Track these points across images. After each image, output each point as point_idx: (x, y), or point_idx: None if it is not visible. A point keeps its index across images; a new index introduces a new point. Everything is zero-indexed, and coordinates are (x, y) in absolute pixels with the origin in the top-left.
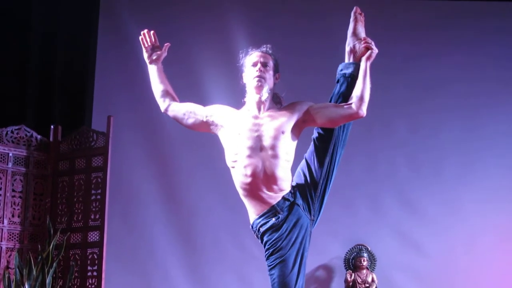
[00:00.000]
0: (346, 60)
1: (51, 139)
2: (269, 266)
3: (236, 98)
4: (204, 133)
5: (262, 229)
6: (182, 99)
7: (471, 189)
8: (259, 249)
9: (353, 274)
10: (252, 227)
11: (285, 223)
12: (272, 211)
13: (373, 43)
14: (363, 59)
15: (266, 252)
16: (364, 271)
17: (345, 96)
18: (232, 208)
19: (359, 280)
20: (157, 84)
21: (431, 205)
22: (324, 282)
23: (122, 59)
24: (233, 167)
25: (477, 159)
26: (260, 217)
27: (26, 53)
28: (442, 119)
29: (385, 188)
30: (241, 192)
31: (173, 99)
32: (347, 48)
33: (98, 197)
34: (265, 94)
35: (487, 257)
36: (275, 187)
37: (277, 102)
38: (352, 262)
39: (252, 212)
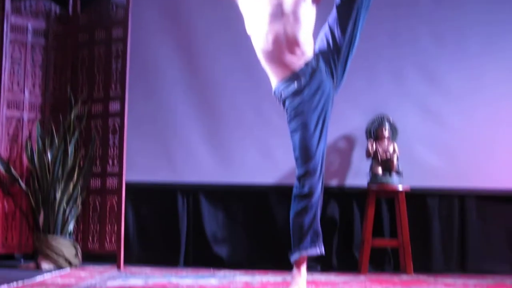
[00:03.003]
0: None
1: (70, 11)
2: (291, 130)
3: None
4: (219, 7)
5: (284, 95)
6: None
7: (495, 59)
8: (278, 115)
9: (374, 143)
10: (274, 93)
11: (306, 88)
12: (295, 76)
13: None
14: None
15: (288, 117)
16: (386, 141)
17: None
18: (251, 74)
19: (381, 150)
20: None
21: (453, 75)
22: (345, 152)
23: None
24: (254, 35)
25: (503, 30)
26: (282, 83)
27: None
28: None
29: (406, 58)
30: (263, 58)
31: None
32: None
33: (119, 67)
34: None
35: (505, 124)
36: (297, 51)
37: None
38: (374, 132)
39: (274, 78)
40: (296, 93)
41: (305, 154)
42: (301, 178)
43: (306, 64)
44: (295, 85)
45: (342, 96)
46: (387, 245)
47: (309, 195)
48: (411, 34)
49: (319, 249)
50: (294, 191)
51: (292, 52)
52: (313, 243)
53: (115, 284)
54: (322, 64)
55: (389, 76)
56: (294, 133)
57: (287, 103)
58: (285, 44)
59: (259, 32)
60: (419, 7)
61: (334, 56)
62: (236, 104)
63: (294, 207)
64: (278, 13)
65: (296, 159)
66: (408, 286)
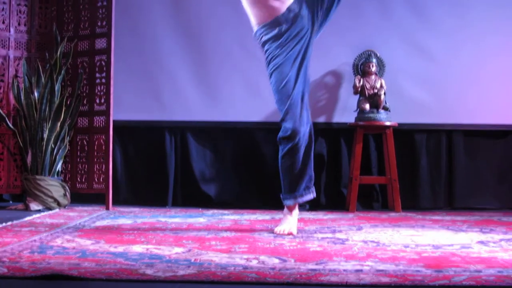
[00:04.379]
0: None
1: None
2: (268, 73)
3: None
4: None
5: (264, 38)
6: None
7: None
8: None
9: (361, 79)
10: (255, 35)
11: (286, 33)
12: (276, 22)
13: None
14: None
15: (266, 60)
16: (373, 76)
17: None
18: (238, 9)
19: (368, 86)
20: None
21: (441, 10)
22: (332, 87)
23: None
24: None
25: None
26: (263, 26)
27: None
28: None
29: None
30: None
31: None
32: None
33: (105, 3)
34: None
35: (493, 60)
36: None
37: None
38: (361, 68)
39: (255, 20)
40: (275, 38)
41: (281, 97)
42: (282, 120)
43: (289, 10)
44: (275, 31)
45: (329, 31)
46: (375, 182)
47: (292, 137)
48: None
49: (312, 194)
50: (279, 134)
51: None
52: (308, 189)
53: (104, 224)
54: (304, 10)
55: (376, 10)
56: (272, 76)
57: (266, 46)
58: None
59: None
60: None
61: (317, 2)
62: (222, 39)
63: (280, 150)
64: None
65: (276, 102)
66: (396, 223)
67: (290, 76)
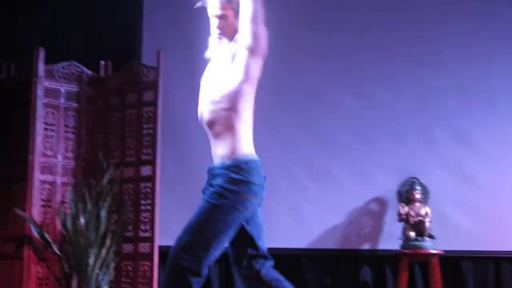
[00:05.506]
0: None
1: (101, 74)
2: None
3: None
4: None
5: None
6: None
7: None
8: (310, 181)
9: (406, 207)
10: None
11: None
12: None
13: None
14: None
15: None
16: (417, 204)
17: None
18: (282, 142)
19: (412, 213)
20: None
21: (483, 136)
22: (377, 214)
23: None
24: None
25: None
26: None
27: None
28: (494, 50)
29: (436, 120)
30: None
31: None
32: None
33: (150, 131)
34: None
35: None
36: None
37: None
38: (405, 195)
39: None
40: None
41: None
42: None
43: None
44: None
45: (373, 159)
46: None
47: None
48: (439, 94)
49: None
50: None
51: None
52: None
53: None
54: None
55: (420, 138)
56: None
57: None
58: None
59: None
60: (445, 66)
61: None
62: (264, 165)
63: None
64: None
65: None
66: None
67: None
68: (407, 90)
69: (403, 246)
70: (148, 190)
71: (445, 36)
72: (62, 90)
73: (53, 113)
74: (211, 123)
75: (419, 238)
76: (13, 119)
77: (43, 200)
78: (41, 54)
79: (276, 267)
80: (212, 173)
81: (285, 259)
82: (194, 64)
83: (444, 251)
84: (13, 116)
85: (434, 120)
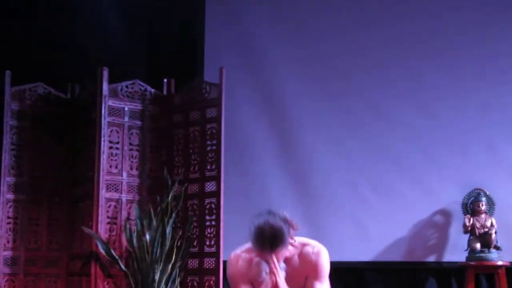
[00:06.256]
0: None
1: (164, 92)
2: None
3: None
4: (316, 84)
5: None
6: None
7: None
8: (375, 197)
9: (471, 218)
10: None
11: None
12: None
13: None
14: None
15: None
16: (483, 215)
17: None
18: (347, 157)
19: (478, 225)
20: None
21: None
22: (441, 226)
23: (232, 10)
24: None
25: None
26: None
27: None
28: None
29: (500, 132)
30: None
31: None
32: None
33: (214, 147)
34: None
35: None
36: None
37: None
38: (470, 207)
39: None
40: None
41: None
42: None
43: None
44: None
45: (437, 169)
46: None
47: None
48: (500, 102)
49: None
50: None
51: None
52: None
53: None
54: None
55: (483, 149)
56: None
57: None
58: None
59: None
60: (507, 76)
61: None
62: (329, 181)
63: None
64: None
65: None
66: None
67: None
68: (468, 98)
69: (468, 258)
70: (213, 205)
71: (508, 53)
72: (126, 108)
73: (117, 131)
74: None
75: (485, 249)
76: (78, 139)
77: (108, 217)
78: (105, 73)
79: (341, 280)
80: None
81: (350, 272)
82: (257, 80)
83: (511, 262)
84: (78, 135)
85: (496, 128)
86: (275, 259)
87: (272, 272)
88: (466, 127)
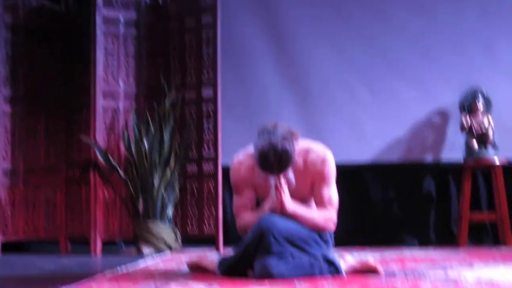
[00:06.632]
0: None
1: (160, 1)
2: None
3: None
4: None
5: None
6: None
7: None
8: (372, 99)
9: (468, 117)
10: None
11: None
12: None
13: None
14: None
15: None
16: (480, 114)
17: None
18: (344, 60)
19: (475, 124)
20: None
21: None
22: (439, 126)
23: None
24: None
25: None
26: None
27: None
28: None
29: (499, 34)
30: None
31: None
32: None
33: (210, 53)
34: None
35: None
36: None
37: None
38: (468, 106)
39: None
40: None
41: None
42: None
43: None
44: None
45: (434, 70)
46: (485, 219)
47: None
48: (500, 5)
49: None
50: None
51: None
52: None
53: None
54: None
55: (480, 48)
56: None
57: None
58: None
59: None
60: None
61: None
62: (327, 84)
63: None
64: None
65: None
66: (510, 259)
67: None
68: (469, 7)
69: (466, 156)
70: (210, 111)
71: None
72: (121, 17)
73: (113, 41)
74: None
75: (482, 147)
76: (74, 50)
77: (106, 126)
78: None
79: (340, 181)
80: None
81: (348, 172)
82: None
83: (507, 159)
84: (73, 47)
85: (495, 30)
86: (281, 177)
87: (277, 189)
88: (465, 30)
